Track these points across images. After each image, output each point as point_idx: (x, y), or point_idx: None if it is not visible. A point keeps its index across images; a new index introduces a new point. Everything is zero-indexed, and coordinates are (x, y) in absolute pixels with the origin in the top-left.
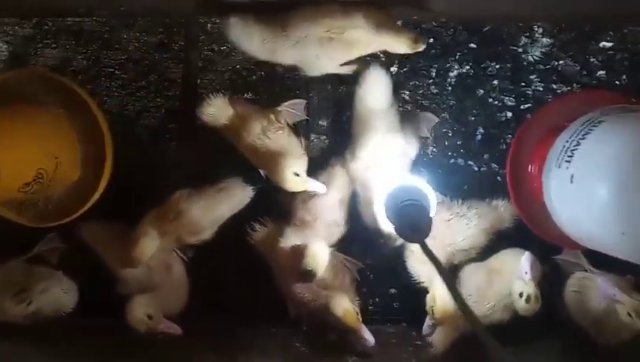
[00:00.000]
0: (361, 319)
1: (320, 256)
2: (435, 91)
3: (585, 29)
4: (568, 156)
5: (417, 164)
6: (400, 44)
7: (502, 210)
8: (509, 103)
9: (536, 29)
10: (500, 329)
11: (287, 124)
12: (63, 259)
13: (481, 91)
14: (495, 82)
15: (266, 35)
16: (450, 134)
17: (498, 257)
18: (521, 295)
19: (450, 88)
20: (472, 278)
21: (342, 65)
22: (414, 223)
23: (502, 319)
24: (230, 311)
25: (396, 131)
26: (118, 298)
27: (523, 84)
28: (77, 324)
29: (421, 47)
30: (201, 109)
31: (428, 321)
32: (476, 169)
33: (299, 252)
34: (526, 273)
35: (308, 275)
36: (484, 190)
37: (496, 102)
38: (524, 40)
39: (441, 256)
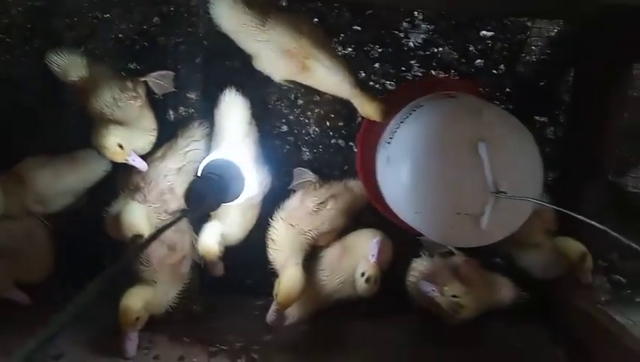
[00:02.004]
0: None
1: (134, 220)
2: None
3: (466, 18)
4: (389, 138)
5: (299, 143)
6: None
7: (356, 191)
8: (390, 87)
9: (416, 14)
10: (357, 302)
11: (145, 95)
12: None
13: (363, 74)
14: (377, 65)
15: (246, 18)
16: (332, 115)
17: (354, 235)
18: (362, 274)
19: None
20: (327, 254)
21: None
22: (198, 195)
23: (351, 294)
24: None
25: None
26: None
27: (403, 68)
28: None
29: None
30: (49, 58)
31: (273, 306)
32: (356, 150)
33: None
34: (372, 256)
35: (135, 239)
36: None
37: (377, 86)
38: (405, 25)
39: (303, 240)
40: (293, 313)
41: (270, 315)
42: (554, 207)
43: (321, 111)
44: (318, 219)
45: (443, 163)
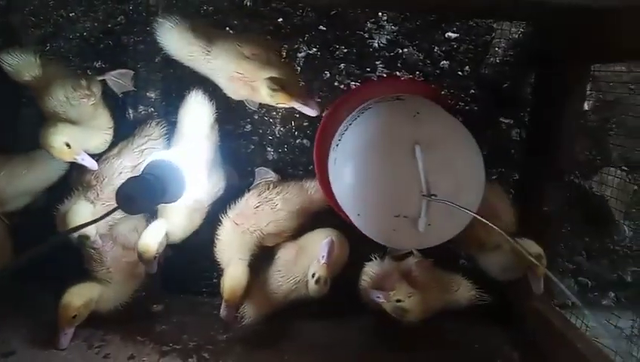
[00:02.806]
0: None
1: (79, 220)
2: None
3: (430, 19)
4: (338, 140)
5: (264, 143)
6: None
7: (312, 192)
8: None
9: (381, 15)
10: (309, 303)
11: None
12: None
13: (328, 74)
14: (342, 66)
15: (193, 49)
16: (296, 115)
17: (308, 236)
18: (313, 275)
19: (298, 69)
20: (282, 255)
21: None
22: (128, 195)
23: (307, 294)
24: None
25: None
26: None
27: (368, 69)
28: None
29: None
30: (1, 58)
31: (223, 303)
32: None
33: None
34: (323, 256)
35: (81, 240)
36: None
37: (342, 86)
38: (369, 25)
39: (249, 239)
40: (250, 313)
41: (222, 311)
42: (476, 215)
43: (285, 111)
44: (262, 218)
45: (382, 165)
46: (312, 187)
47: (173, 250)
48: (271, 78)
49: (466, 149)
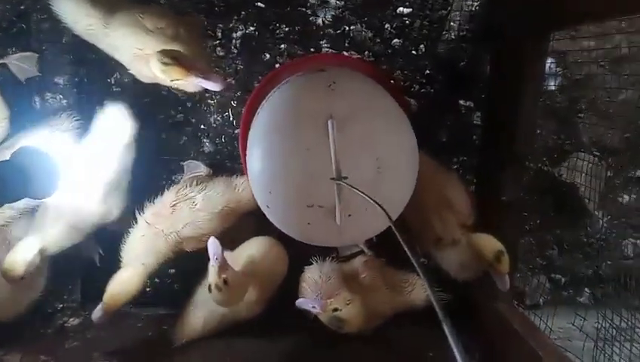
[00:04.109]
0: None
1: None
2: (221, 54)
3: None
4: (255, 120)
5: (199, 134)
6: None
7: (240, 190)
8: None
9: None
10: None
11: None
12: None
13: (268, 55)
14: (283, 46)
15: (92, 21)
16: (234, 103)
17: (244, 246)
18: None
19: (235, 51)
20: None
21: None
22: None
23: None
24: None
25: None
26: None
27: (312, 49)
28: None
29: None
30: None
31: (100, 305)
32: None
33: None
34: (215, 259)
35: None
36: None
37: None
38: (312, 1)
39: (162, 244)
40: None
41: (95, 314)
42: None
43: (221, 97)
44: (178, 220)
45: (291, 146)
46: (241, 183)
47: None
48: (162, 51)
49: (391, 122)
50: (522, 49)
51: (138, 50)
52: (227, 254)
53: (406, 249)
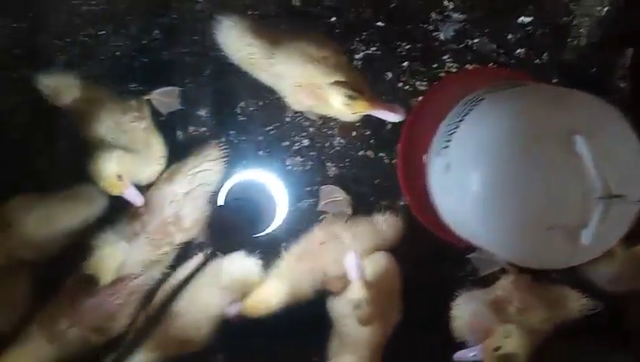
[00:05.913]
0: None
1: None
2: None
3: (500, 3)
4: (446, 141)
5: (323, 158)
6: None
7: (383, 227)
8: (421, 88)
9: (446, 4)
10: None
11: (150, 117)
12: None
13: (390, 75)
14: (405, 64)
15: (254, 50)
16: (357, 124)
17: None
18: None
19: (357, 72)
20: None
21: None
22: (223, 227)
23: None
24: None
25: None
26: None
27: (435, 65)
28: None
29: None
30: (39, 80)
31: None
32: (387, 161)
33: None
34: (359, 271)
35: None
36: (397, 183)
37: (407, 87)
38: (434, 16)
39: (309, 282)
40: None
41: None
42: None
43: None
44: (330, 259)
45: (528, 164)
46: (383, 220)
47: None
48: (340, 83)
49: (627, 135)
50: None
51: (304, 81)
52: None
53: None
